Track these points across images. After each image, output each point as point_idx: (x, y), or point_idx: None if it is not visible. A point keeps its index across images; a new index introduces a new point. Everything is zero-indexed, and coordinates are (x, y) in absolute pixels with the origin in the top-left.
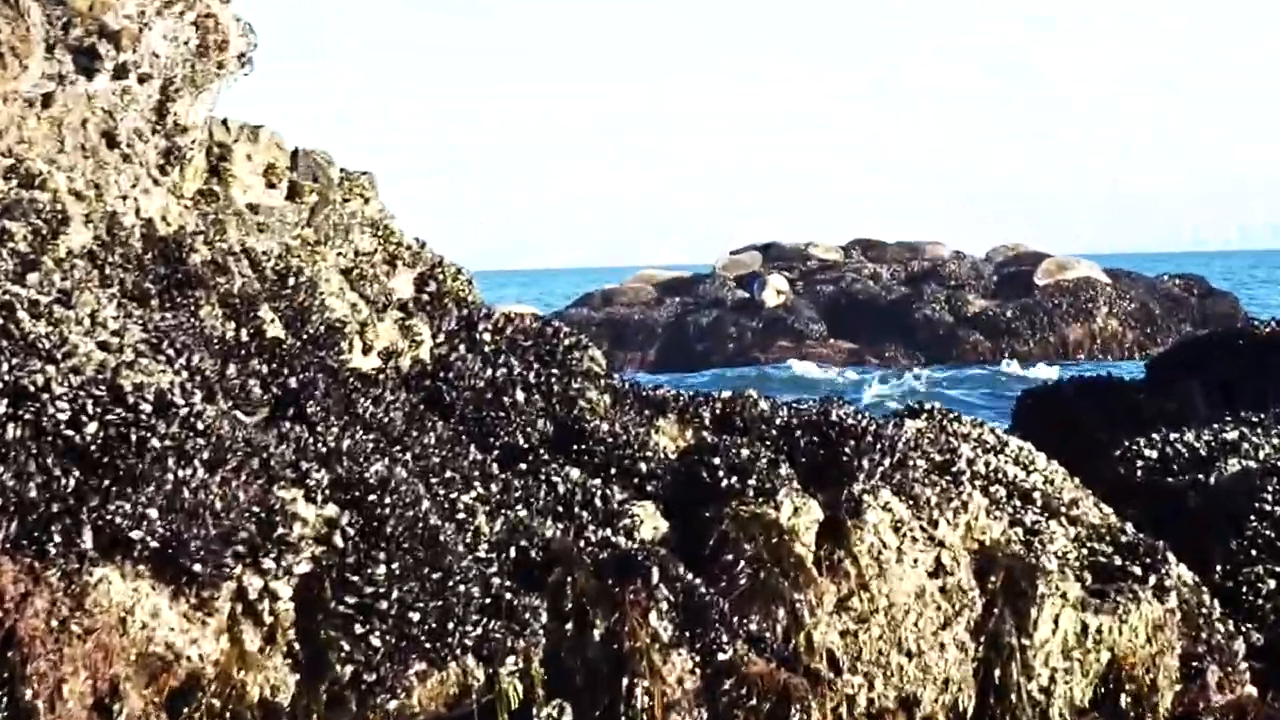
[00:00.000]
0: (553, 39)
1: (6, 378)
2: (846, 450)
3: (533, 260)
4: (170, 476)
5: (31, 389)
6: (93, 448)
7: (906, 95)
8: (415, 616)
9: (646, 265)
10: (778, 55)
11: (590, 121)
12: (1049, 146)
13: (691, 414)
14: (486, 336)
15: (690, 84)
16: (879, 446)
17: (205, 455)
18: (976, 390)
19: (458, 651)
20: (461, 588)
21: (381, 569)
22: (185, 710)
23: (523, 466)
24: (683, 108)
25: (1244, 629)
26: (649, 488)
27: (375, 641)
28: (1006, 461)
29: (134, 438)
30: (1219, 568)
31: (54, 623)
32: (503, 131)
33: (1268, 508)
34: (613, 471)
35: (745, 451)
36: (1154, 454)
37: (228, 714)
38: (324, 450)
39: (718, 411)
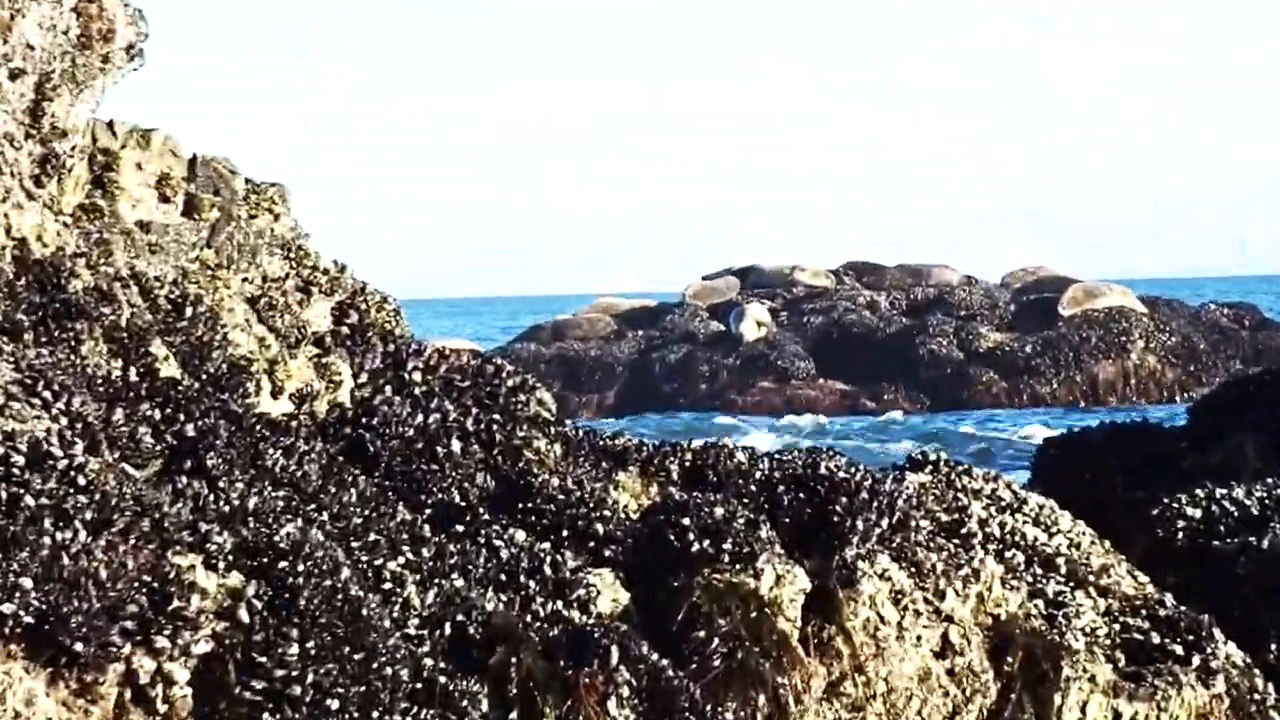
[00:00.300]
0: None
1: None
2: (838, 509)
3: (471, 287)
4: (47, 540)
5: None
6: None
7: (907, 95)
8: (334, 704)
9: (605, 293)
10: (755, 49)
11: (545, 126)
12: (1074, 153)
13: (657, 467)
14: (417, 376)
15: (669, 84)
16: (876, 505)
17: (88, 515)
18: (990, 438)
19: None
20: (388, 670)
21: (294, 648)
22: None
23: (459, 528)
24: (653, 108)
25: None
26: (607, 553)
27: None
28: (1025, 522)
29: (4, 495)
30: (1274, 646)
31: None
32: (426, 136)
33: None
34: (565, 534)
35: (719, 510)
36: (1197, 513)
37: None
38: (226, 509)
39: (687, 464)
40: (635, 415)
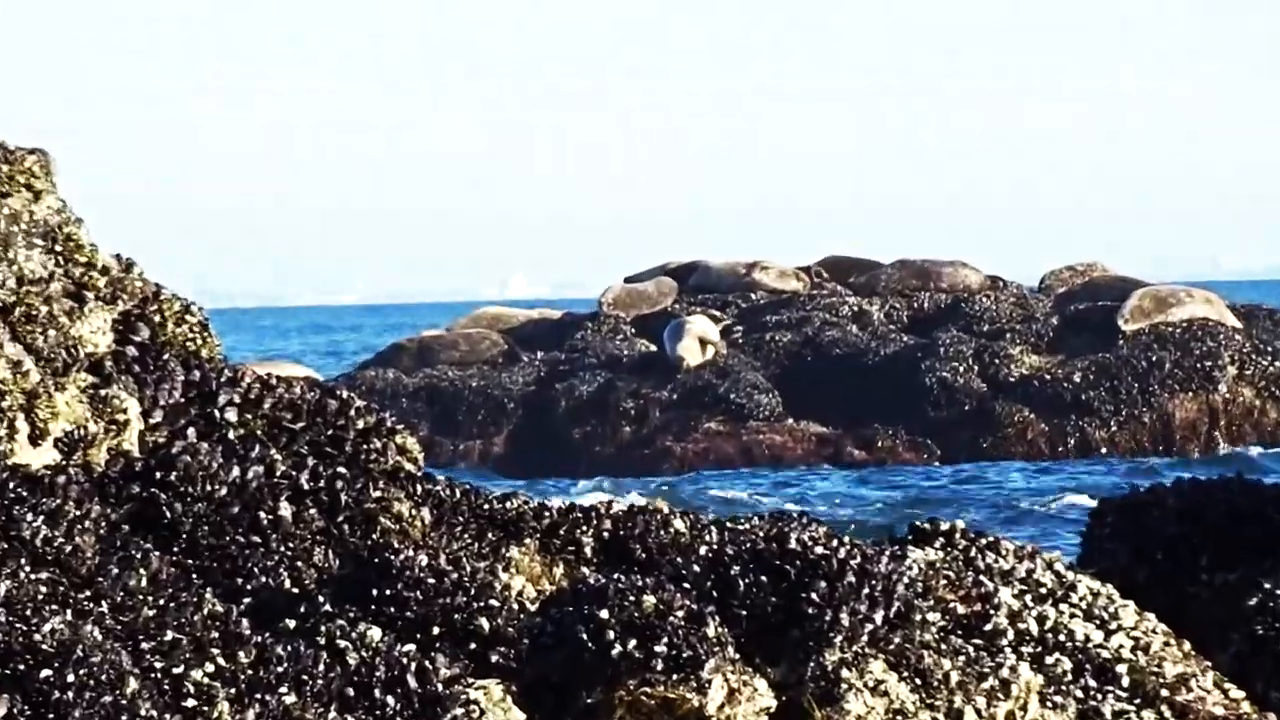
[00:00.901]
0: None
1: None
2: (815, 597)
3: (305, 294)
4: None
5: None
6: None
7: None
8: None
9: (491, 300)
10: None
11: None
12: (1137, 114)
13: (563, 540)
14: (231, 415)
15: (587, 33)
16: (867, 591)
17: None
18: (1024, 501)
19: None
20: None
21: None
22: None
23: (290, 624)
24: (563, 64)
25: None
26: (494, 658)
27: None
28: (1073, 615)
29: None
30: None
31: None
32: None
33: None
34: (435, 632)
35: (650, 599)
36: None
37: None
38: None
39: (606, 535)
40: (531, 476)
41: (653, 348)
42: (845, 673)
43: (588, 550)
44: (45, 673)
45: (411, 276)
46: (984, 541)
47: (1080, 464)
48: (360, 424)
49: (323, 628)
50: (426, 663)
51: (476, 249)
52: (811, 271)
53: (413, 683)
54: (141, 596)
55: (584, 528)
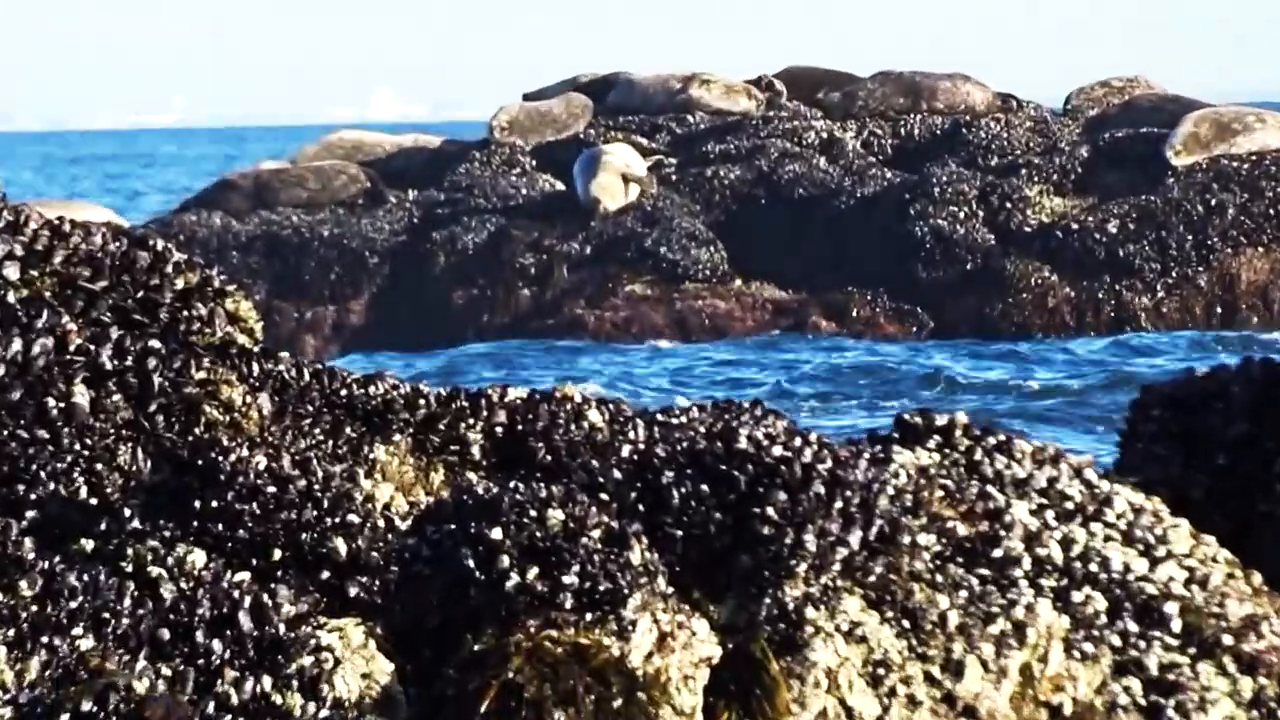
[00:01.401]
0: None
1: None
2: (771, 513)
3: (114, 112)
4: None
5: None
6: None
7: None
8: None
9: (348, 122)
10: None
11: None
12: None
13: (444, 436)
14: (11, 272)
15: None
16: (839, 506)
17: None
18: (1041, 387)
19: None
20: None
21: None
22: None
23: (87, 545)
24: None
25: None
26: (354, 591)
27: None
28: (1108, 538)
29: None
30: None
31: None
32: None
33: None
34: (276, 557)
35: (556, 515)
36: None
37: None
38: None
39: (499, 431)
40: (404, 349)
41: (560, 186)
42: (810, 611)
43: (475, 450)
44: None
45: (246, 93)
46: (992, 441)
47: (1114, 340)
48: (179, 283)
49: (129, 550)
50: (265, 596)
51: (329, 56)
52: (766, 86)
53: (246, 622)
54: None
55: (470, 420)
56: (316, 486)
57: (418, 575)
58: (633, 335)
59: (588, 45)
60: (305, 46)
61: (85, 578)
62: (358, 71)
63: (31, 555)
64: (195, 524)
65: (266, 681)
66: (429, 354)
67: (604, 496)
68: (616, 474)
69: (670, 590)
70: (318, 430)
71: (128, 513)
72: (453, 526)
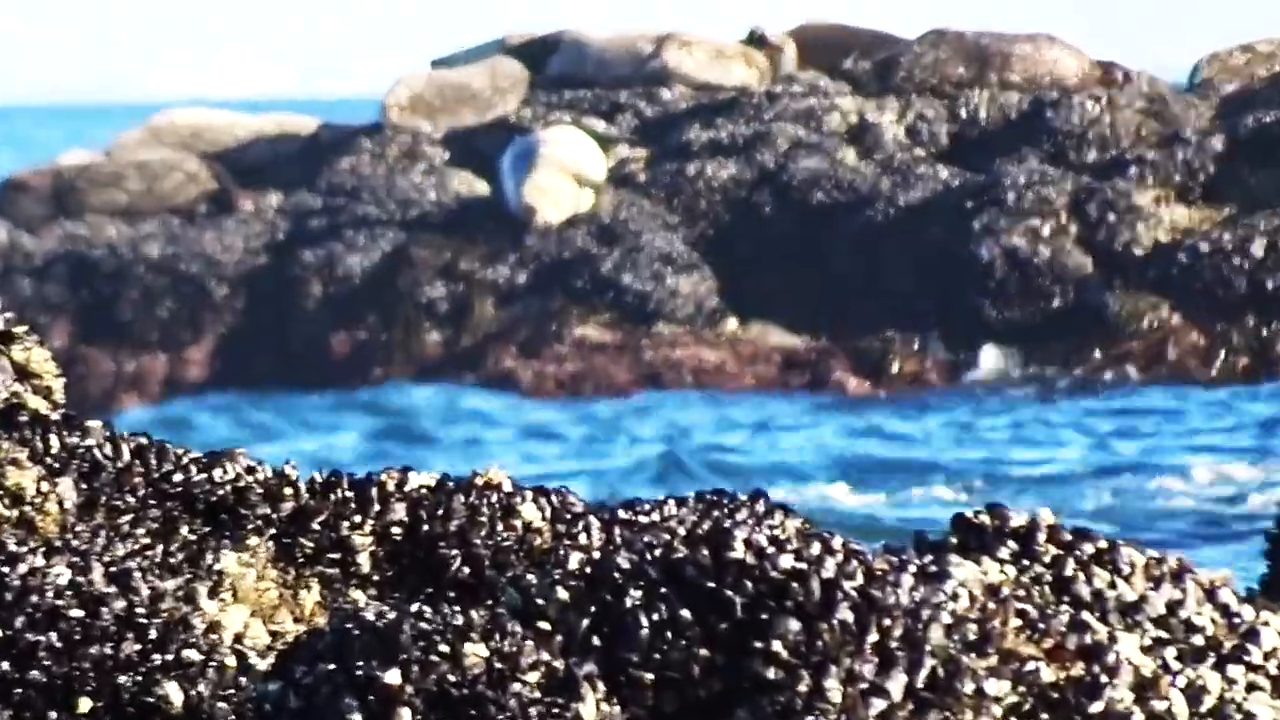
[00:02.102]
0: None
1: None
2: (779, 649)
3: None
4: None
5: None
6: None
7: None
8: None
9: (184, 99)
10: None
11: None
12: None
13: (319, 540)
14: None
15: None
16: (874, 639)
17: None
18: (1159, 468)
19: None
20: None
21: None
22: None
23: None
24: None
25: None
26: None
27: None
28: (1253, 687)
29: None
30: None
31: None
32: None
33: None
34: (84, 708)
35: (478, 652)
36: None
37: None
38: None
39: (397, 532)
40: (261, 410)
41: (482, 187)
42: None
43: (364, 559)
44: None
45: (32, 56)
46: (1089, 549)
47: (1260, 396)
48: None
49: None
50: None
51: (153, 3)
52: (772, 51)
53: None
54: None
55: (357, 518)
56: (140, 610)
57: None
58: (585, 395)
59: None
60: None
61: None
62: (196, 25)
63: None
64: None
65: None
66: (296, 420)
67: (544, 625)
68: (562, 593)
69: None
70: (142, 530)
71: None
72: (332, 667)
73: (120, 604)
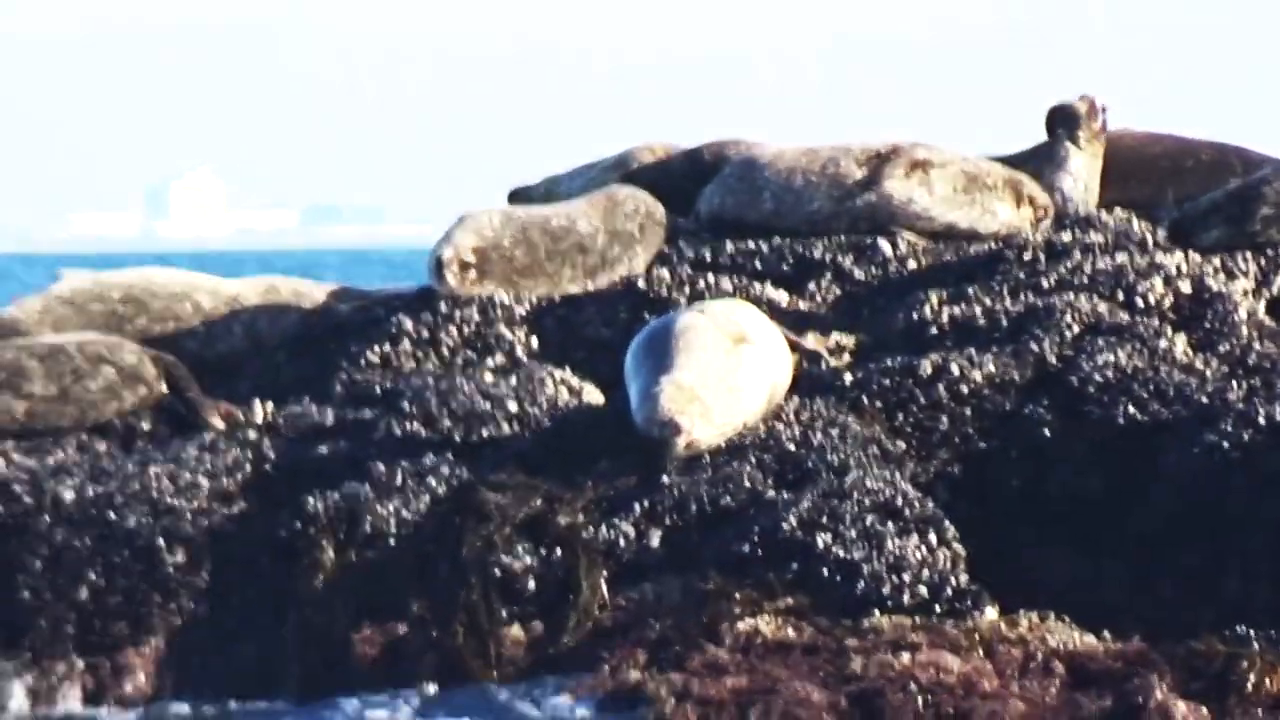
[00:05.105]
0: None
1: None
2: None
3: None
4: None
5: None
6: None
7: None
8: None
9: (123, 246)
10: None
11: None
12: None
13: None
14: None
15: None
16: None
17: None
18: None
19: None
20: None
21: None
22: None
23: None
24: None
25: None
26: None
27: None
28: None
29: None
30: None
31: None
32: None
33: None
34: None
35: None
36: None
37: None
38: None
39: None
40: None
41: (595, 393)
42: None
43: None
44: None
45: None
46: None
47: None
48: None
49: None
50: None
51: (98, 111)
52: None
53: None
54: None
55: None
56: None
57: None
58: None
59: (643, 81)
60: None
61: None
62: (152, 135)
63: None
64: None
65: None
66: None
67: None
68: None
69: None
70: None
71: None
72: None
73: None
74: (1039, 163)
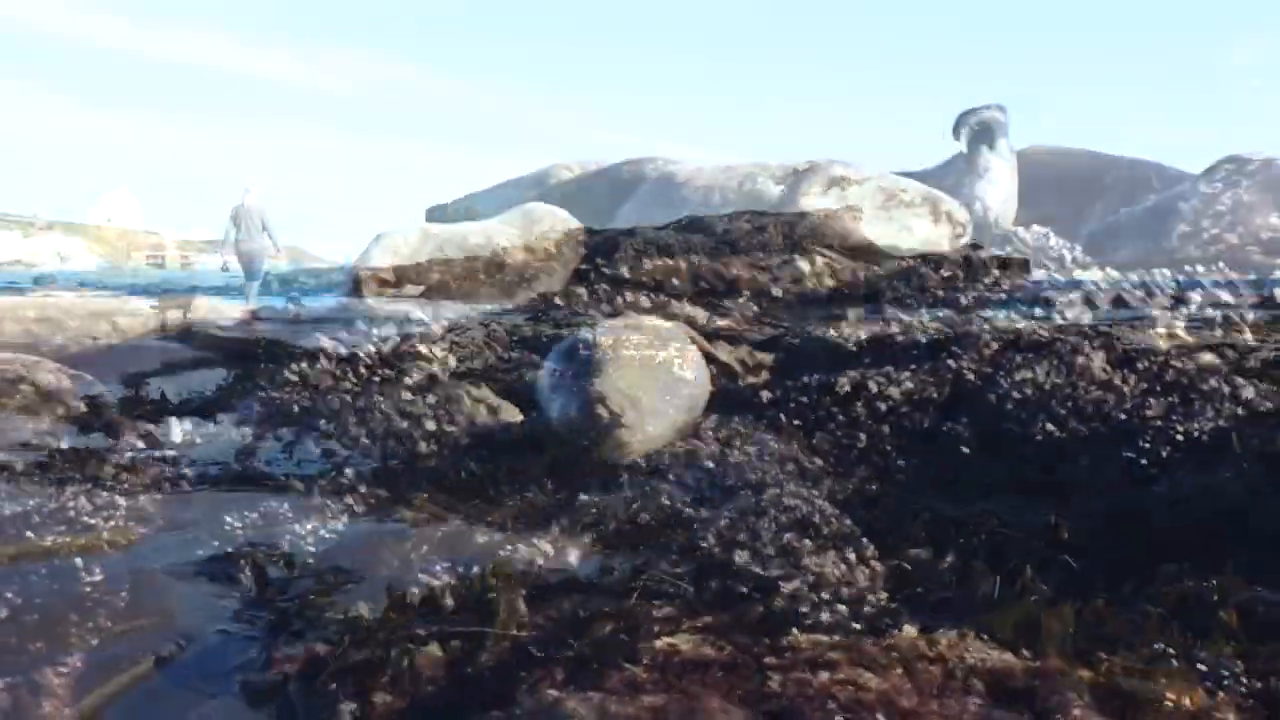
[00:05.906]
0: None
1: None
2: None
3: None
4: None
5: None
6: None
7: None
8: None
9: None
10: None
11: None
12: None
13: None
14: None
15: None
16: None
17: None
18: None
19: None
20: None
21: None
22: None
23: None
24: None
25: None
26: None
27: None
28: None
29: None
30: None
31: None
32: None
33: None
34: None
35: None
36: None
37: None
38: None
39: None
40: None
41: (513, 412)
42: None
43: None
44: None
45: None
46: None
47: None
48: None
49: None
50: None
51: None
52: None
53: None
54: None
55: None
56: None
57: None
58: None
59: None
60: None
61: None
62: (82, 174)
63: None
64: None
65: None
66: None
67: None
68: None
69: None
70: None
71: None
72: None
73: None
74: (959, 174)
